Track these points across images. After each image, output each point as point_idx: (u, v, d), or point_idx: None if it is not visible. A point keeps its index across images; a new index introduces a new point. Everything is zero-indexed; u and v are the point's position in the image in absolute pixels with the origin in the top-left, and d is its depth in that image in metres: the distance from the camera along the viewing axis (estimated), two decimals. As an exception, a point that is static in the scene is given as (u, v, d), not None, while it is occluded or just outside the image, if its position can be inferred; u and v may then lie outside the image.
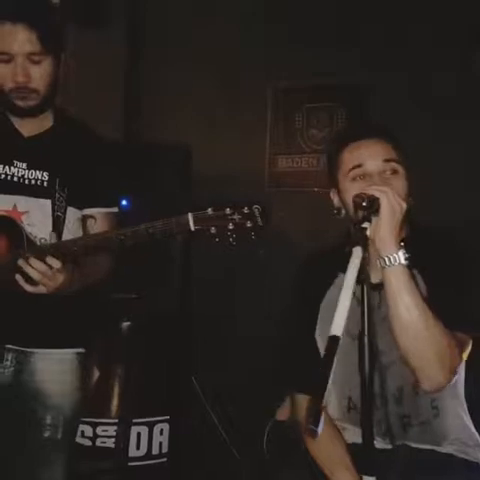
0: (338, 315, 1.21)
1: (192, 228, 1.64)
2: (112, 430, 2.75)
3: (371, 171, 1.73)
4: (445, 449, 1.76)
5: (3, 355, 1.89)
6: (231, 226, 1.63)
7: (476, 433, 1.81)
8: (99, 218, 2.03)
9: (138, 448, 2.86)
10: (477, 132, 3.13)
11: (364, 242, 1.42)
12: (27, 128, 1.97)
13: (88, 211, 2.01)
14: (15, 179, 1.93)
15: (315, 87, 3.50)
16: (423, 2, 3.31)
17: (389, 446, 1.77)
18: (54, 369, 1.93)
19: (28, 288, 1.74)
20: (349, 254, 1.85)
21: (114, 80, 3.71)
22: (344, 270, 1.83)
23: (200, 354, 3.30)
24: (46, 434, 1.91)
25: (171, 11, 3.78)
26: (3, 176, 1.92)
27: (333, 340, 1.15)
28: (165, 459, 2.94)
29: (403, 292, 1.56)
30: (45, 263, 1.71)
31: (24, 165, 1.94)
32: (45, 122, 1.99)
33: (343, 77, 3.41)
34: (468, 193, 3.11)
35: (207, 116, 3.59)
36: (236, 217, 1.63)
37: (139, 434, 2.86)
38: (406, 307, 1.56)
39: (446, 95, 3.15)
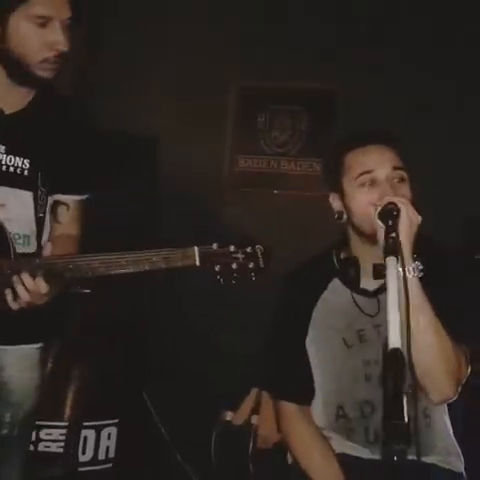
0: (392, 328, 1.16)
1: (197, 263, 1.61)
2: (57, 434, 2.59)
3: (380, 178, 1.72)
4: (430, 459, 1.77)
5: None
6: (235, 266, 1.62)
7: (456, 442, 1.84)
8: (72, 206, 1.88)
9: (84, 453, 2.71)
10: (444, 133, 3.20)
11: (398, 252, 1.39)
12: (9, 102, 1.75)
13: (61, 197, 1.85)
14: None
15: (279, 89, 3.48)
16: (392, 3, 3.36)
17: (376, 456, 1.75)
18: (18, 365, 1.81)
19: (14, 306, 1.60)
20: (343, 260, 1.86)
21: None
22: (339, 275, 1.84)
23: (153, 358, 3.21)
24: (4, 431, 1.80)
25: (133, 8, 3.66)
26: None
27: (395, 353, 1.10)
28: (111, 465, 2.81)
29: (417, 304, 1.54)
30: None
31: (2, 148, 1.74)
32: (27, 96, 1.79)
33: (308, 81, 3.42)
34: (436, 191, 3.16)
35: (169, 110, 3.49)
36: (240, 256, 1.63)
37: (85, 438, 2.72)
38: (419, 319, 1.54)
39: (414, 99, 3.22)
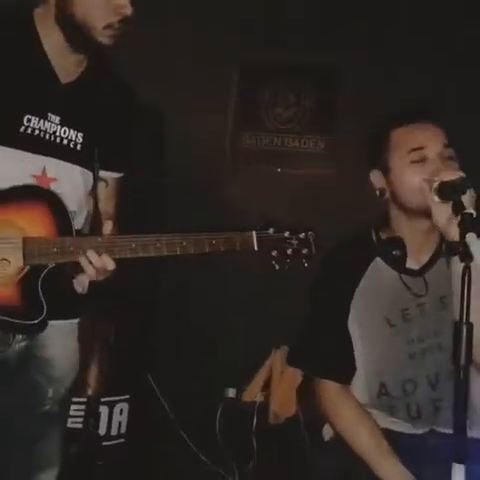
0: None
1: (255, 248, 1.67)
2: (77, 409, 2.59)
3: (432, 155, 1.75)
4: (471, 433, 1.85)
5: None
6: (290, 251, 1.69)
7: None
8: (110, 183, 1.87)
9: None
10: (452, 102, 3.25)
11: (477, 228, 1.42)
12: (65, 70, 1.70)
13: (101, 174, 1.83)
14: (47, 136, 1.69)
15: (284, 64, 3.47)
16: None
17: (419, 431, 1.84)
18: (60, 340, 1.80)
19: (79, 288, 1.61)
20: (385, 240, 1.90)
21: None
22: (380, 255, 1.88)
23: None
24: (46, 407, 1.80)
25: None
26: (36, 132, 1.66)
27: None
28: (123, 440, 2.84)
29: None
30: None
31: (57, 119, 1.70)
32: (81, 65, 1.74)
33: (313, 56, 3.41)
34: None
35: (169, 85, 3.44)
36: (294, 242, 1.70)
37: (99, 414, 2.73)
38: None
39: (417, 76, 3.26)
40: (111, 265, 1.58)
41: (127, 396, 2.85)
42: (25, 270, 1.55)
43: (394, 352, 1.85)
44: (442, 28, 3.31)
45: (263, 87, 3.50)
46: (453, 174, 1.60)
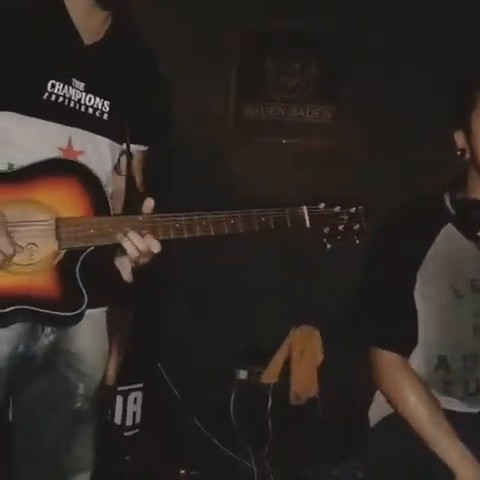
0: None
1: (308, 224, 1.55)
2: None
3: None
4: None
5: None
6: (341, 228, 1.57)
7: None
8: (136, 157, 1.71)
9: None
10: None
11: None
12: (88, 30, 1.54)
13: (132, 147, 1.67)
14: (72, 104, 1.52)
15: (289, 33, 3.32)
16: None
17: (475, 410, 1.76)
18: (92, 331, 1.65)
19: (126, 275, 1.48)
20: (461, 204, 1.79)
21: None
22: (453, 220, 1.78)
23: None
24: (77, 405, 1.65)
25: None
26: (60, 99, 1.50)
27: None
28: (137, 430, 2.71)
29: None
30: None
31: (82, 86, 1.54)
32: (104, 24, 1.57)
33: (318, 25, 3.28)
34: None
35: (169, 55, 3.26)
36: (345, 217, 1.58)
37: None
38: None
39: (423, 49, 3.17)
40: (156, 247, 1.43)
41: (140, 385, 2.73)
42: (60, 255, 1.40)
43: (458, 324, 1.76)
44: None
45: (266, 55, 3.35)
46: None
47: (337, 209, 1.59)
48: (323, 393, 2.72)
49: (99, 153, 1.58)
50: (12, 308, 1.33)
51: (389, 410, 1.86)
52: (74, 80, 1.53)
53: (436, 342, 1.77)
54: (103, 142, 1.60)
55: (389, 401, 1.80)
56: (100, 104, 1.57)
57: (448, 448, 1.65)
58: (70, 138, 1.52)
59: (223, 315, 3.17)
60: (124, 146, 1.68)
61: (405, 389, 1.74)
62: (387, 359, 1.78)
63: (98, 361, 1.69)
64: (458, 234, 1.77)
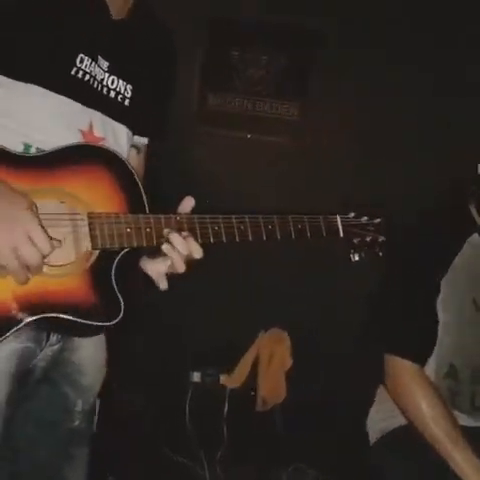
0: None
1: (341, 234, 1.50)
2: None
3: None
4: None
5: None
6: (369, 239, 1.53)
7: None
8: (142, 150, 1.60)
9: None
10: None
11: None
12: (116, 5, 1.40)
13: (136, 139, 1.56)
14: (95, 84, 1.37)
15: (258, 23, 3.21)
16: None
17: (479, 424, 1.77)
18: (93, 340, 1.48)
19: (162, 283, 1.34)
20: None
21: None
22: (478, 230, 1.78)
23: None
24: (75, 423, 1.50)
25: None
26: (87, 77, 1.35)
27: None
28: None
29: None
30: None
31: (105, 65, 1.39)
32: (127, 1, 1.43)
33: (289, 18, 3.19)
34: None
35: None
36: (371, 228, 1.54)
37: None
38: None
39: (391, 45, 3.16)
40: (199, 252, 1.30)
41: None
42: (94, 256, 1.24)
43: (474, 336, 1.78)
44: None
45: (234, 44, 3.22)
46: None
47: (364, 220, 1.55)
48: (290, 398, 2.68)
49: (118, 142, 1.44)
50: (39, 316, 1.16)
51: (393, 424, 1.85)
52: (100, 57, 1.38)
53: (449, 350, 1.78)
54: (121, 130, 1.45)
55: (402, 410, 1.79)
56: (122, 88, 1.43)
57: (462, 460, 1.65)
58: (91, 121, 1.37)
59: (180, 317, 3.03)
60: (136, 137, 1.54)
61: (421, 399, 1.73)
62: (404, 368, 1.77)
63: (98, 374, 1.55)
64: None
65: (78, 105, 1.34)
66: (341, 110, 3.18)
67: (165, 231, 1.28)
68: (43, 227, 1.12)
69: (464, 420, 1.78)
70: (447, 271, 1.76)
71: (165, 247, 1.27)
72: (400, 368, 1.77)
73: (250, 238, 1.37)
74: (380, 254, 1.57)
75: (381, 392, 1.95)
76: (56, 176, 1.24)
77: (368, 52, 3.17)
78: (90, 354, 1.49)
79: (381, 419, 1.90)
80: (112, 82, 1.41)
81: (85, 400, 1.51)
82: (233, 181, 3.17)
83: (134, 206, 1.29)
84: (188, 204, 1.34)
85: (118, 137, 1.44)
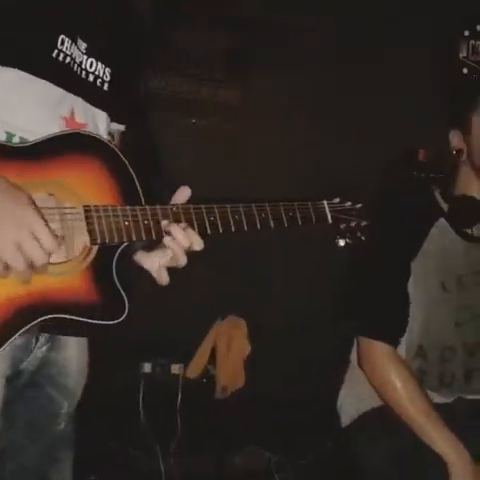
0: None
1: (329, 220, 1.47)
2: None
3: None
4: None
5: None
6: (353, 224, 1.51)
7: None
8: (116, 138, 1.51)
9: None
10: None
11: None
12: None
13: (113, 126, 1.47)
14: (75, 68, 1.29)
15: (199, 6, 3.12)
16: None
17: (448, 400, 1.85)
18: (75, 341, 1.42)
19: (163, 277, 1.27)
20: (455, 201, 1.82)
21: None
22: (445, 215, 1.83)
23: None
24: (60, 426, 1.44)
25: None
26: (68, 59, 1.26)
27: None
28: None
29: None
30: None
31: (84, 47, 1.31)
32: None
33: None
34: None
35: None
36: (354, 213, 1.52)
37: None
38: None
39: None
40: (199, 243, 1.25)
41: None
42: (93, 252, 1.17)
43: (442, 318, 1.84)
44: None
45: (174, 22, 3.13)
46: None
47: (348, 205, 1.53)
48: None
49: (97, 129, 1.36)
50: (45, 317, 1.08)
51: (365, 407, 1.88)
52: (79, 39, 1.30)
53: (418, 332, 1.83)
54: (101, 117, 1.38)
55: (378, 391, 1.82)
56: (101, 71, 1.36)
57: (440, 438, 1.70)
58: (72, 108, 1.29)
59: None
60: (113, 124, 1.46)
61: (397, 380, 1.77)
62: (380, 350, 1.80)
63: (80, 377, 1.47)
64: (450, 230, 1.83)
65: (60, 90, 1.26)
66: (283, 92, 3.18)
67: (164, 223, 1.22)
68: (47, 224, 1.05)
69: (434, 398, 1.83)
70: (417, 254, 1.80)
71: (167, 240, 1.22)
72: (374, 350, 1.80)
73: (245, 228, 1.33)
74: (363, 238, 1.56)
75: (350, 376, 1.99)
76: (46, 167, 1.16)
77: (308, 35, 3.19)
78: (74, 353, 1.42)
79: (352, 402, 1.93)
80: (91, 65, 1.33)
81: (70, 402, 1.44)
82: (177, 166, 3.11)
83: (128, 197, 1.23)
84: (184, 194, 1.29)
85: (98, 124, 1.36)
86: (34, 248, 1.02)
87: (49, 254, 1.05)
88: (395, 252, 1.81)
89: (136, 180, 1.25)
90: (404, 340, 1.83)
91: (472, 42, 3.43)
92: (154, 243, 1.27)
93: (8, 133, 1.19)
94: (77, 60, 1.29)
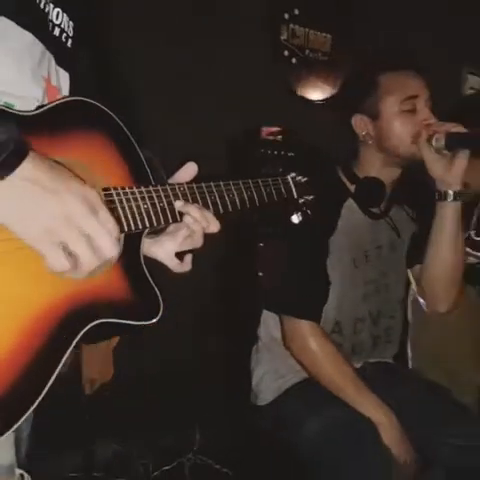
0: None
1: (295, 195, 1.45)
2: None
3: (421, 104, 1.81)
4: (389, 359, 2.08)
5: None
6: (310, 198, 1.50)
7: None
8: None
9: None
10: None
11: None
12: None
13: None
14: (42, 19, 1.08)
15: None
16: None
17: (357, 365, 1.98)
18: None
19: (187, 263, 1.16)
20: (364, 182, 1.88)
21: None
22: (352, 195, 1.90)
23: None
24: None
25: None
26: (42, 5, 1.06)
27: None
28: None
29: (456, 225, 1.78)
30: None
31: None
32: None
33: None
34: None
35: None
36: (310, 188, 1.52)
37: None
38: (455, 238, 1.79)
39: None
40: (216, 225, 1.16)
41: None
42: (121, 241, 0.99)
43: (354, 292, 1.95)
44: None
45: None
46: (456, 126, 1.72)
47: (304, 180, 1.50)
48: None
49: (62, 94, 1.16)
50: (95, 322, 0.91)
51: (286, 384, 1.92)
52: None
53: (334, 308, 1.92)
54: (65, 79, 1.18)
55: (307, 367, 1.89)
56: (66, 24, 1.15)
57: (366, 402, 1.82)
58: (48, 67, 1.10)
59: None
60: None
61: (323, 355, 1.85)
62: (305, 328, 1.86)
63: None
64: (356, 208, 1.93)
65: (41, 45, 1.05)
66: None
67: (178, 204, 1.11)
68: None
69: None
70: (333, 233, 1.88)
71: (189, 220, 1.11)
72: (301, 329, 1.86)
73: (238, 207, 1.26)
74: (309, 213, 1.55)
75: (261, 356, 2.01)
76: (63, 144, 0.97)
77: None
78: None
79: (272, 380, 1.97)
80: (57, 16, 1.12)
81: None
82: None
83: (139, 177, 1.08)
84: (190, 171, 1.18)
85: (62, 88, 1.15)
86: (105, 237, 0.84)
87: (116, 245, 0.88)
88: (312, 230, 1.83)
89: (143, 157, 1.11)
90: (322, 316, 1.90)
91: (291, 25, 3.62)
92: (159, 230, 1.14)
93: None
94: (46, 10, 1.09)
